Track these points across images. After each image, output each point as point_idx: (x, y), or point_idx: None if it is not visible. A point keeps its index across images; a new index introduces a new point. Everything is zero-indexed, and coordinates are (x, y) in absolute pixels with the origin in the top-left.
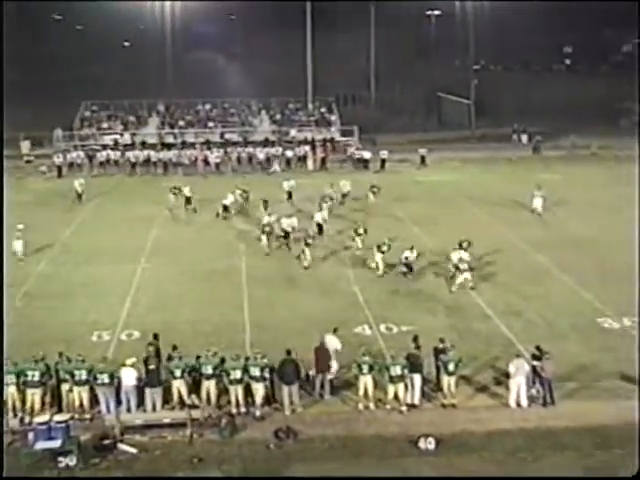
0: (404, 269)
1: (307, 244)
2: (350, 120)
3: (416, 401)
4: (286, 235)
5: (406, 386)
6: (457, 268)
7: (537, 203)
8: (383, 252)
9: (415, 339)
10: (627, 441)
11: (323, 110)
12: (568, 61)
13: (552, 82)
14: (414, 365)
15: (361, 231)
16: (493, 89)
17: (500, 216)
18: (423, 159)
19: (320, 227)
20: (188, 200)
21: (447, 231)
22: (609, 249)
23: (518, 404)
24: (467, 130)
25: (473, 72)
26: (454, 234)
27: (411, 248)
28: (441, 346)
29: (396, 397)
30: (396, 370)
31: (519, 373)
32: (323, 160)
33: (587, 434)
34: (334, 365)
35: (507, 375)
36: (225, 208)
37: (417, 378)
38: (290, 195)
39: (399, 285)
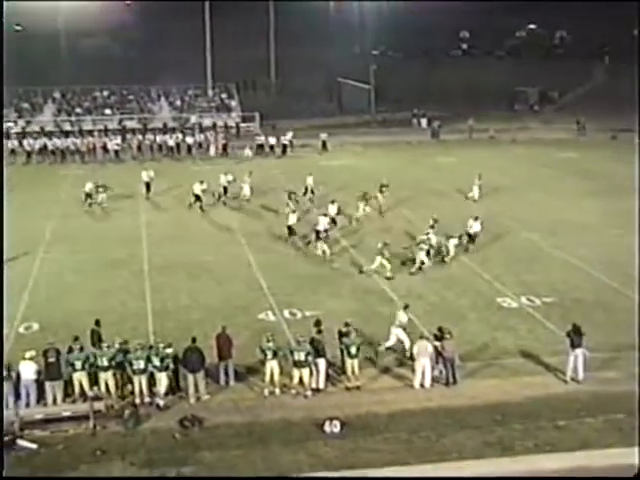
0: (466, 239)
1: (323, 238)
2: (251, 106)
3: (321, 385)
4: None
5: (311, 371)
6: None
7: (475, 190)
8: (383, 254)
9: (317, 324)
10: (526, 417)
11: (223, 96)
12: (465, 46)
13: (450, 67)
14: (318, 350)
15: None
16: (392, 74)
17: (402, 199)
18: (324, 144)
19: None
20: (148, 187)
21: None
22: (508, 230)
23: (422, 385)
24: (367, 115)
25: (372, 57)
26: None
27: (475, 218)
28: (345, 329)
29: (301, 382)
30: (300, 355)
31: (422, 354)
32: (224, 146)
33: (488, 411)
34: (404, 341)
35: (411, 357)
36: (197, 198)
37: (321, 362)
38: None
39: (301, 270)
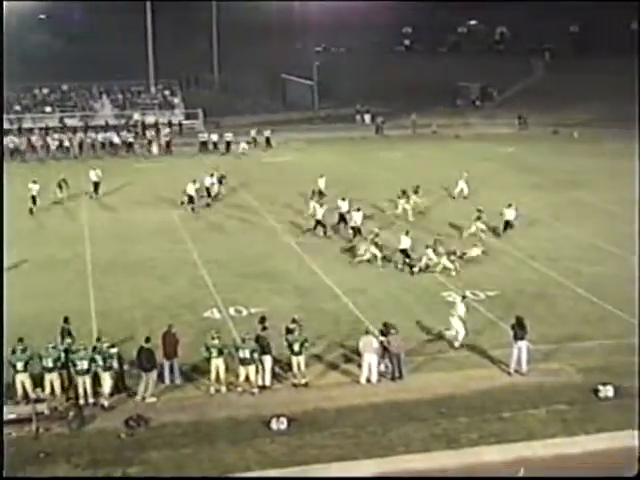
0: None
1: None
2: (194, 103)
3: (267, 382)
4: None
5: (257, 368)
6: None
7: (462, 185)
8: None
9: (262, 320)
10: (471, 409)
11: (166, 93)
12: (407, 42)
13: (393, 63)
14: (263, 347)
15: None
16: (335, 70)
17: (339, 193)
18: (268, 140)
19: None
20: (96, 186)
21: (299, 211)
22: (448, 223)
23: (368, 380)
24: (311, 111)
25: (315, 54)
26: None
27: (509, 205)
28: (291, 326)
29: (247, 379)
30: (245, 352)
31: (368, 350)
32: (168, 144)
33: (433, 404)
34: (459, 332)
35: (357, 352)
36: (190, 198)
37: (267, 359)
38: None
39: (247, 268)
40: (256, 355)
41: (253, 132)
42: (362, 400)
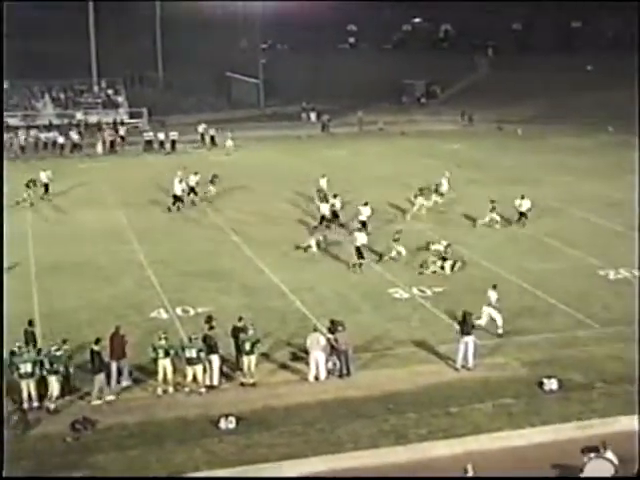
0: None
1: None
2: (138, 102)
3: (215, 382)
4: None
5: (204, 368)
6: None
7: (444, 183)
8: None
9: (209, 320)
10: (419, 405)
11: (110, 92)
12: (352, 40)
13: (338, 61)
14: (211, 346)
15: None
16: (281, 68)
17: (286, 191)
18: (213, 139)
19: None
20: (46, 187)
21: (245, 210)
22: (397, 220)
23: (316, 378)
24: (257, 109)
25: (261, 52)
26: (251, 211)
27: (522, 197)
28: (239, 325)
29: (195, 379)
30: (192, 352)
31: (315, 347)
32: (112, 143)
33: (382, 401)
34: (496, 318)
35: (305, 350)
36: (176, 199)
37: (215, 359)
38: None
39: (193, 267)
40: (203, 355)
41: (201, 128)
42: (310, 398)
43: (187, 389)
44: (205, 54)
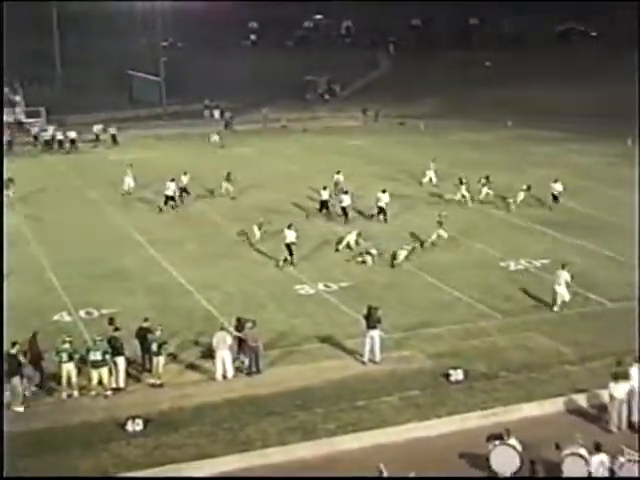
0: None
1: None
2: (36, 101)
3: (121, 384)
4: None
5: (110, 370)
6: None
7: (430, 174)
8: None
9: (111, 321)
10: (327, 400)
11: (6, 91)
12: (254, 37)
13: (240, 58)
14: (116, 348)
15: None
16: (183, 66)
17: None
18: (114, 138)
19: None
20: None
21: (150, 210)
22: (298, 218)
23: (224, 376)
24: (159, 107)
25: (162, 49)
26: (156, 211)
27: (555, 180)
28: (145, 325)
29: (101, 382)
30: (97, 355)
31: (222, 346)
32: (10, 143)
33: (290, 397)
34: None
35: (211, 349)
36: (168, 199)
37: (120, 361)
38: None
39: (96, 268)
40: (109, 357)
41: (96, 128)
42: (218, 397)
43: (93, 392)
44: (105, 52)
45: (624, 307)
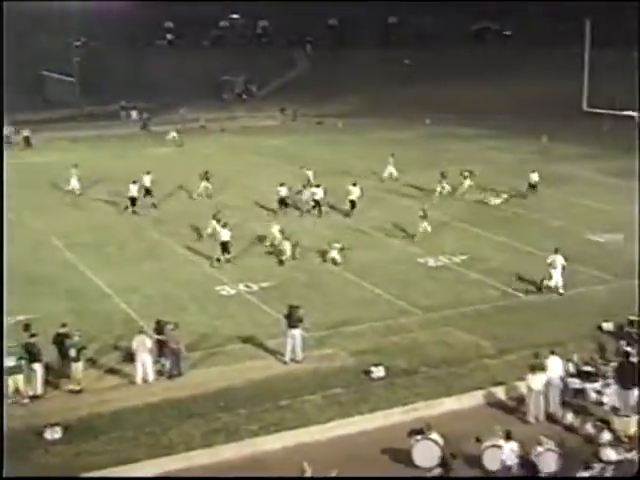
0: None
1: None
2: None
3: (39, 391)
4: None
5: (27, 377)
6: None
7: (390, 170)
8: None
9: (26, 327)
10: (250, 400)
11: None
12: (170, 36)
13: (157, 58)
14: (33, 354)
15: None
16: (98, 66)
17: (102, 193)
18: (27, 140)
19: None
20: None
21: (66, 213)
22: (242, 217)
23: (145, 380)
24: (74, 109)
25: (75, 49)
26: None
27: (533, 171)
28: (63, 330)
29: (17, 390)
30: (11, 362)
31: (142, 349)
32: None
33: (212, 399)
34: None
35: (131, 353)
36: (132, 201)
37: (37, 367)
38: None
39: (12, 273)
40: (25, 363)
41: (7, 130)
42: (139, 401)
43: (9, 400)
44: (16, 52)
45: (540, 300)
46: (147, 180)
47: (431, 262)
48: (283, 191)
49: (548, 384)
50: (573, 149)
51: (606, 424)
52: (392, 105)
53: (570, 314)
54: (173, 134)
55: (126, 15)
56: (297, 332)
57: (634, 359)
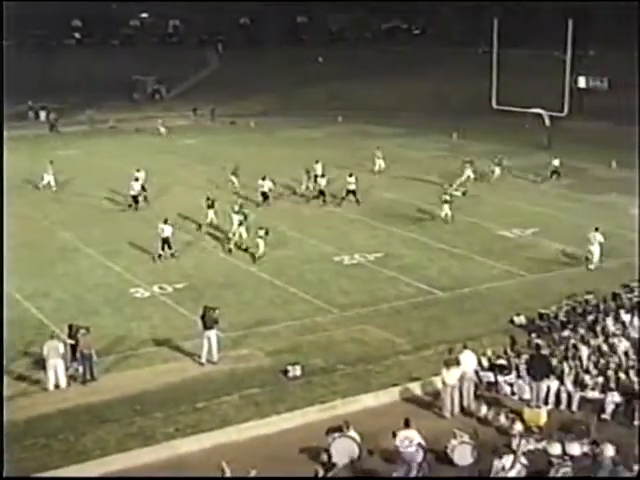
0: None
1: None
2: None
3: None
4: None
5: None
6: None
7: (379, 163)
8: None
9: None
10: (166, 403)
11: None
12: (78, 35)
13: (65, 57)
14: None
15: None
16: (4, 66)
17: (23, 196)
18: None
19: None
20: None
21: None
22: (129, 220)
23: (57, 386)
24: None
25: None
26: None
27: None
28: None
29: None
30: None
31: (53, 354)
32: None
33: (127, 403)
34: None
35: (43, 359)
36: (134, 199)
37: None
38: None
39: None
40: None
41: None
42: (52, 407)
43: None
44: None
45: (454, 296)
46: (141, 178)
47: (346, 260)
48: (266, 186)
49: (462, 378)
50: (483, 146)
51: (518, 415)
52: (305, 104)
53: (483, 309)
54: (162, 129)
55: (32, 13)
56: (213, 333)
57: (545, 351)
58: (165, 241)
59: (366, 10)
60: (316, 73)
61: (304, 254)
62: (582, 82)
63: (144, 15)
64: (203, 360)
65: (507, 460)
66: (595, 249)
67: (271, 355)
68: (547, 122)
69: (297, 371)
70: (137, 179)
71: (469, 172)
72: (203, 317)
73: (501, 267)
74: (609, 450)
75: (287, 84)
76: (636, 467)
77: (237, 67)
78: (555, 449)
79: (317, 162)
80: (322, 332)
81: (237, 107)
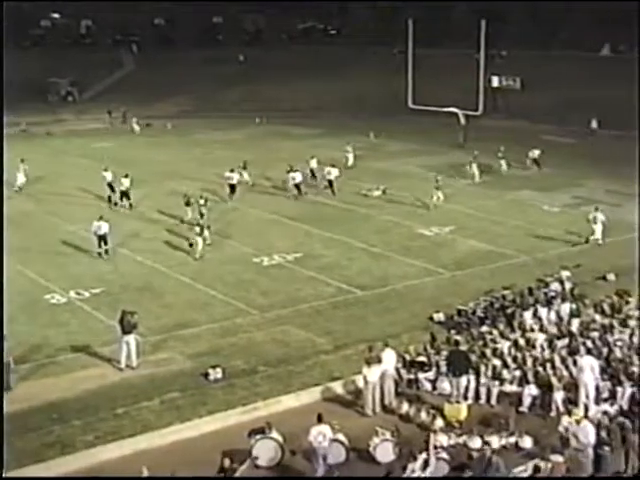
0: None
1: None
2: None
3: None
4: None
5: None
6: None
7: (350, 158)
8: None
9: None
10: (85, 411)
11: None
12: None
13: None
14: None
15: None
16: None
17: None
18: None
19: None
20: None
21: None
22: (48, 225)
23: None
24: None
25: None
26: None
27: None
28: None
29: None
30: None
31: None
32: None
33: (45, 412)
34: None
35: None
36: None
37: None
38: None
39: None
40: None
41: None
42: None
43: None
44: None
45: (373, 295)
46: (126, 182)
47: (265, 261)
48: (298, 177)
49: (384, 376)
50: (401, 145)
51: (439, 411)
52: (222, 105)
53: (402, 307)
54: (136, 127)
55: None
56: (131, 338)
57: (463, 347)
58: (102, 238)
59: (281, 10)
60: (234, 74)
61: (223, 255)
62: (495, 81)
63: (55, 15)
64: (122, 365)
65: (419, 462)
66: (598, 227)
67: (192, 358)
68: (462, 121)
69: (218, 374)
70: (127, 175)
71: (474, 169)
72: (121, 321)
73: (420, 265)
74: (527, 442)
75: (204, 85)
76: (553, 457)
77: (152, 68)
78: (475, 443)
79: (312, 157)
80: (243, 334)
81: (153, 109)
